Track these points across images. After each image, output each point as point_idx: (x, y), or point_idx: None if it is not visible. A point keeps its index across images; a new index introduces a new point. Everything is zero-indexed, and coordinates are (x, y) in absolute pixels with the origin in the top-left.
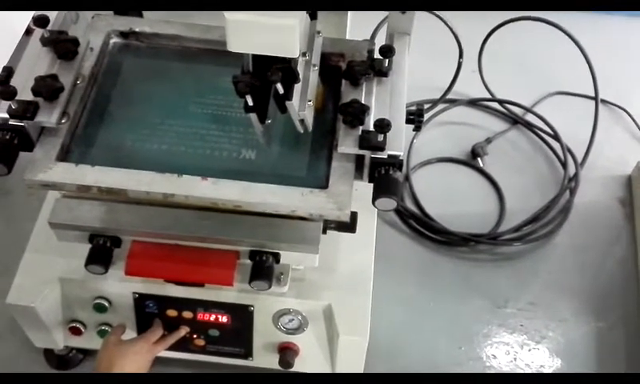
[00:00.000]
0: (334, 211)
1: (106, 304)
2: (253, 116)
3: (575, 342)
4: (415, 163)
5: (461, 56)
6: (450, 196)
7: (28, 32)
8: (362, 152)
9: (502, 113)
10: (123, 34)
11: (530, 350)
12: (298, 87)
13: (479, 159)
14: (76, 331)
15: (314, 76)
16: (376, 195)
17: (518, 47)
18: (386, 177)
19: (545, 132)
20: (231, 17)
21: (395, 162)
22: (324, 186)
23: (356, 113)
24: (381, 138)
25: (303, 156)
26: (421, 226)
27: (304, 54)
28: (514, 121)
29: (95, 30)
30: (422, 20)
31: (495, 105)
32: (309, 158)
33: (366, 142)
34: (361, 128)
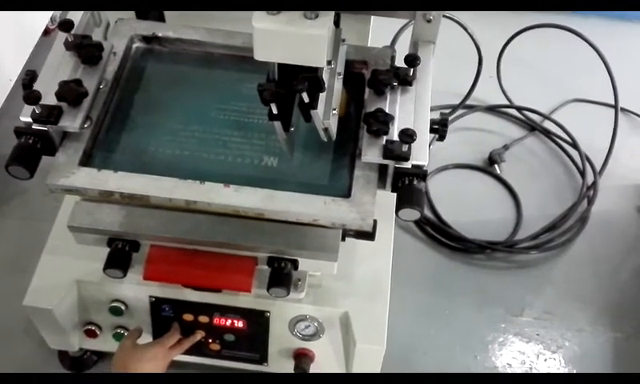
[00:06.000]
0: (356, 221)
1: (122, 307)
2: (277, 124)
3: (592, 352)
4: (432, 169)
5: (480, 63)
6: (466, 203)
7: (46, 32)
8: (386, 162)
9: (520, 119)
10: (146, 39)
11: (546, 360)
12: (322, 96)
13: (496, 166)
14: (91, 334)
15: (338, 84)
16: (400, 205)
17: (536, 54)
18: (409, 187)
19: (563, 139)
20: (259, 26)
21: (419, 173)
22: (346, 194)
23: (380, 122)
24: (405, 148)
25: (326, 164)
26: (437, 232)
27: (329, 63)
28: (532, 128)
29: (118, 35)
30: (440, 26)
31: (513, 111)
32: (331, 166)
33: (390, 151)
34: (385, 137)
